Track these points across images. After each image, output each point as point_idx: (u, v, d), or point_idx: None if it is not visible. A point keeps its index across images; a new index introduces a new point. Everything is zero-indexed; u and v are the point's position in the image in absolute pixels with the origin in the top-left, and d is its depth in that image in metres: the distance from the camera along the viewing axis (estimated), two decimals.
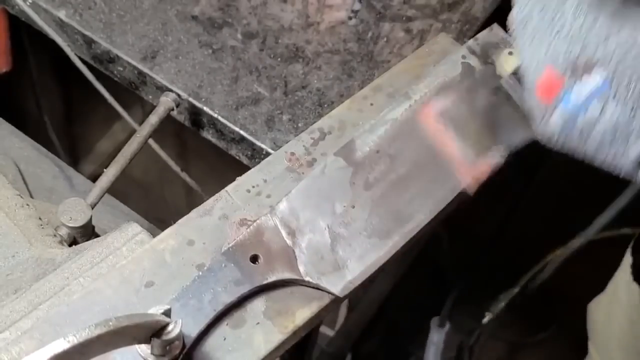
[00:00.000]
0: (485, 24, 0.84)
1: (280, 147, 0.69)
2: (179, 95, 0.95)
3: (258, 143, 0.93)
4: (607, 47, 0.50)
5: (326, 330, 1.67)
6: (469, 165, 0.63)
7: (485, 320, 1.84)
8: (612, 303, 1.23)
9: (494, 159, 0.63)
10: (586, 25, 0.51)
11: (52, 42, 0.98)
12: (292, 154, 0.67)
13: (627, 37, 0.50)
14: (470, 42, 0.71)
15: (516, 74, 0.62)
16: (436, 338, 1.64)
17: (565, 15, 0.52)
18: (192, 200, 1.48)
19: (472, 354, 1.91)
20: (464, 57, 0.70)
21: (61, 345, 0.43)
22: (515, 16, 0.57)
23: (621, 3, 0.51)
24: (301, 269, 0.59)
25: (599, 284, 1.84)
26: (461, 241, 1.87)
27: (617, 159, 0.53)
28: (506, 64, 0.63)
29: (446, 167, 0.63)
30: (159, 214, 1.48)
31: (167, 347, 0.51)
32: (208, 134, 0.97)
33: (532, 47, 0.55)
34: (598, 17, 0.51)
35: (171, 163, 1.06)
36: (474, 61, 0.70)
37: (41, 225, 0.74)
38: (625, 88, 0.50)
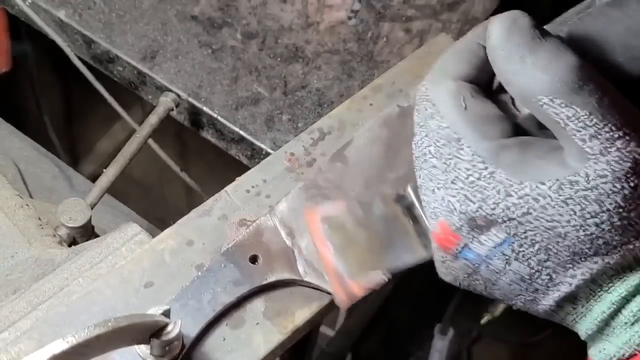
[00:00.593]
0: None
1: (280, 147, 0.69)
2: (178, 95, 0.95)
3: (258, 143, 0.93)
4: (508, 203, 0.46)
5: (326, 330, 1.67)
6: (345, 282, 0.57)
7: (484, 320, 1.84)
8: None
9: (373, 281, 0.57)
10: (483, 179, 0.47)
11: (52, 42, 0.98)
12: (292, 154, 0.67)
13: (530, 192, 0.46)
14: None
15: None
16: (439, 345, 1.63)
17: (460, 166, 0.48)
18: (191, 200, 1.48)
19: (470, 356, 1.90)
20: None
21: (60, 345, 0.43)
22: (415, 147, 0.52)
23: (519, 154, 0.47)
24: (300, 269, 0.59)
25: None
26: None
27: (530, 306, 0.50)
28: None
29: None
30: (159, 214, 1.48)
31: (167, 348, 0.51)
32: (208, 134, 0.97)
33: (430, 190, 0.50)
34: (495, 170, 0.47)
35: (171, 163, 1.06)
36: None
37: (40, 225, 0.74)
38: (529, 247, 0.47)
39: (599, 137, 0.44)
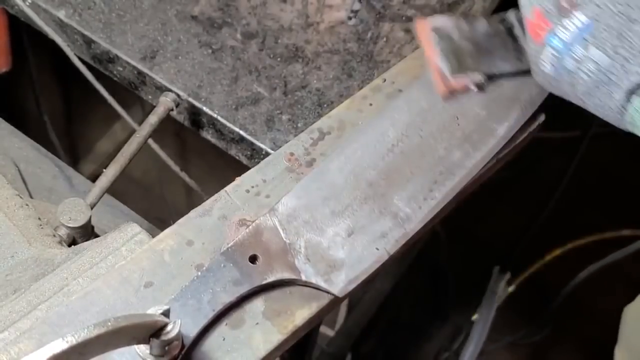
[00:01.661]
0: None
1: (280, 147, 0.69)
2: (178, 95, 0.95)
3: (257, 143, 0.93)
4: None
5: (326, 330, 1.67)
6: (447, 77, 0.66)
7: (475, 317, 1.84)
8: None
9: (471, 79, 0.67)
10: None
11: (52, 42, 0.98)
12: (292, 154, 0.67)
13: None
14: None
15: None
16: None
17: None
18: (191, 200, 1.48)
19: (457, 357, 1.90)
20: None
21: (60, 345, 0.43)
22: None
23: None
24: (300, 269, 0.59)
25: (598, 284, 1.84)
26: (460, 241, 1.87)
27: (605, 102, 0.55)
28: None
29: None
30: (159, 214, 1.49)
31: (166, 348, 0.51)
32: (208, 134, 0.97)
33: None
34: None
35: (171, 163, 1.06)
36: None
37: (40, 225, 0.74)
38: (606, 28, 0.52)
39: None
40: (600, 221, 1.87)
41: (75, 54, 0.97)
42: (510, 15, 0.69)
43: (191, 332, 0.54)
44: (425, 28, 0.69)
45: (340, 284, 0.59)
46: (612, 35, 0.52)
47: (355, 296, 1.65)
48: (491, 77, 0.67)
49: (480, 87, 0.67)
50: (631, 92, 0.53)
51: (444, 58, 0.67)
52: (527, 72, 0.64)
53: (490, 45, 0.68)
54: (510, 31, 0.68)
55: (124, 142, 0.93)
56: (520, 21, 0.65)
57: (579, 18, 0.53)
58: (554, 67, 0.56)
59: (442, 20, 0.69)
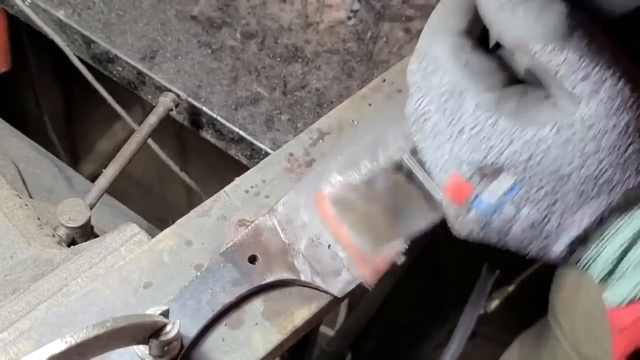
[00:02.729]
0: None
1: (280, 147, 0.69)
2: (178, 95, 0.95)
3: (257, 143, 0.93)
4: (512, 149, 0.48)
5: (326, 330, 1.67)
6: (367, 257, 0.59)
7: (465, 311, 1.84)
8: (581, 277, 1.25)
9: (394, 250, 0.59)
10: (487, 128, 0.49)
11: (52, 42, 0.98)
12: (291, 154, 0.67)
13: (532, 137, 0.48)
14: None
15: (415, 154, 0.58)
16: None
17: (464, 118, 0.50)
18: (191, 200, 1.48)
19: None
20: None
21: (59, 345, 0.43)
22: (411, 110, 0.53)
23: (519, 102, 0.49)
24: (300, 269, 0.59)
25: None
26: (460, 241, 1.87)
27: (543, 253, 0.52)
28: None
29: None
30: (159, 214, 1.48)
31: (165, 348, 0.51)
32: (207, 134, 0.97)
33: (434, 147, 0.52)
34: (498, 118, 0.49)
35: (170, 163, 1.06)
36: None
37: (40, 225, 0.74)
38: (536, 191, 0.48)
39: (589, 78, 0.46)
40: None
41: (74, 54, 0.97)
42: (404, 160, 0.59)
43: (190, 332, 0.54)
44: (324, 203, 0.60)
45: (340, 284, 0.59)
46: (544, 194, 0.48)
47: (356, 296, 1.65)
48: (412, 240, 0.59)
49: (405, 254, 0.59)
50: (573, 245, 0.50)
51: (356, 235, 0.59)
52: (444, 222, 0.57)
53: (397, 202, 0.59)
54: (410, 177, 0.59)
55: (123, 142, 0.93)
56: (419, 162, 0.58)
57: (506, 181, 0.49)
58: (482, 226, 0.52)
59: (339, 190, 0.60)
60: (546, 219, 0.49)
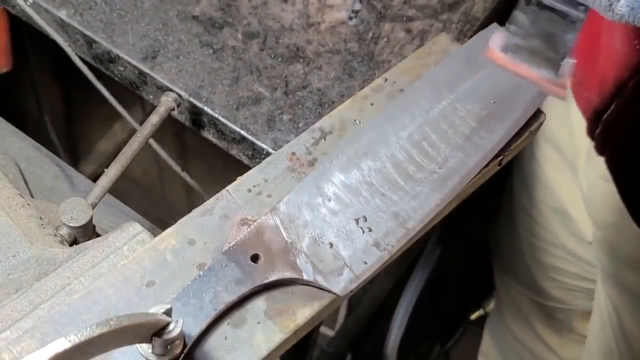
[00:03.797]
0: (485, 24, 0.84)
1: (281, 147, 0.69)
2: (179, 95, 0.95)
3: (259, 143, 0.93)
4: None
5: (326, 330, 1.67)
6: (555, 80, 0.65)
7: (474, 316, 1.85)
8: None
9: (568, 66, 0.65)
10: None
11: (53, 42, 0.99)
12: (293, 153, 0.67)
13: None
14: None
15: None
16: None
17: None
18: (192, 200, 1.48)
19: (448, 357, 1.91)
20: None
21: (62, 344, 0.43)
22: None
23: None
24: (302, 268, 0.59)
25: None
26: (459, 240, 1.87)
27: None
28: None
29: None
30: (160, 214, 1.49)
31: (168, 347, 0.52)
32: (209, 134, 0.97)
33: None
34: None
35: (172, 163, 1.06)
36: None
37: (42, 224, 0.74)
38: None
39: None
40: None
41: (76, 54, 0.97)
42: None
43: (193, 331, 0.54)
44: (496, 56, 0.67)
45: (342, 283, 0.59)
46: None
47: (356, 296, 1.65)
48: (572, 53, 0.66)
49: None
50: None
51: (536, 68, 0.65)
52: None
53: (546, 28, 0.65)
54: (541, 5, 0.65)
55: (124, 142, 0.93)
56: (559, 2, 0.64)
57: None
58: (633, 9, 0.54)
59: (499, 38, 0.66)
60: None
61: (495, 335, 1.65)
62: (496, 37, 0.67)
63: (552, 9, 0.65)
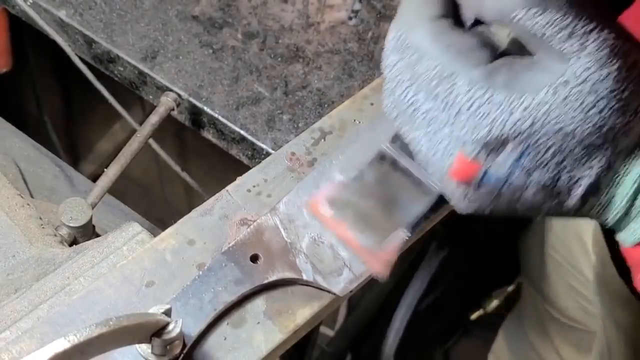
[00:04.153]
0: None
1: (281, 147, 0.69)
2: (179, 95, 0.95)
3: (258, 143, 0.93)
4: (514, 119, 0.48)
5: (326, 330, 1.67)
6: (374, 252, 0.59)
7: (474, 316, 1.84)
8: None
9: (398, 239, 0.59)
10: (484, 104, 0.49)
11: (53, 42, 0.99)
12: (293, 153, 0.67)
13: (530, 103, 0.48)
14: None
15: (395, 141, 0.59)
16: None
17: (459, 99, 0.50)
18: (192, 200, 1.48)
19: (448, 357, 1.91)
20: None
21: (61, 344, 0.43)
22: (394, 103, 0.53)
23: (509, 72, 0.49)
24: (301, 268, 0.59)
25: None
26: (460, 241, 1.87)
27: (555, 210, 0.52)
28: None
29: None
30: (159, 214, 1.49)
31: (168, 347, 0.52)
32: (208, 134, 0.97)
33: (429, 135, 0.51)
34: (493, 92, 0.49)
35: (171, 163, 1.06)
36: None
37: (42, 225, 0.74)
38: (544, 153, 0.49)
39: (575, 34, 0.47)
40: None
41: (76, 54, 0.97)
42: (385, 149, 0.60)
43: (192, 331, 0.54)
44: (319, 207, 0.60)
45: (341, 283, 0.59)
46: (553, 153, 0.49)
47: (355, 296, 1.65)
48: (413, 227, 0.60)
49: (409, 243, 0.60)
50: (586, 196, 0.50)
51: (358, 232, 0.59)
52: (439, 202, 0.58)
53: (390, 192, 0.59)
54: (395, 165, 0.59)
55: (124, 142, 0.93)
56: (399, 149, 0.59)
57: (513, 150, 0.49)
58: (491, 199, 0.52)
59: (330, 191, 0.60)
60: (557, 178, 0.50)
61: (512, 340, 1.64)
62: (327, 187, 0.61)
63: (406, 174, 0.59)
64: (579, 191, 0.50)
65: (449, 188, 0.53)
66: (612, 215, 0.51)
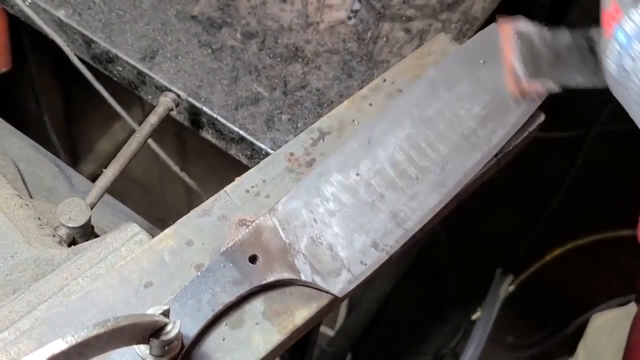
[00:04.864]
0: (485, 24, 0.84)
1: (280, 147, 0.69)
2: (178, 95, 0.95)
3: (257, 143, 0.93)
4: None
5: (326, 330, 1.67)
6: (520, 81, 0.66)
7: (475, 316, 1.84)
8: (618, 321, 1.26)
9: (545, 85, 0.66)
10: None
11: (52, 42, 0.98)
12: (292, 154, 0.67)
13: None
14: None
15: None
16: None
17: None
18: (191, 200, 1.48)
19: (456, 356, 1.91)
20: None
21: (59, 345, 0.43)
22: None
23: None
24: (300, 269, 0.59)
25: (598, 285, 1.83)
26: (460, 241, 1.88)
27: None
28: None
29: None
30: (159, 214, 1.49)
31: (166, 348, 0.51)
32: (207, 134, 0.97)
33: None
34: None
35: (170, 163, 1.06)
36: None
37: (40, 225, 0.74)
38: None
39: None
40: (601, 221, 1.87)
41: (75, 54, 0.97)
42: (595, 32, 0.66)
43: (191, 332, 0.54)
44: (508, 30, 0.68)
45: (340, 284, 0.59)
46: None
47: (355, 296, 1.65)
48: (565, 88, 0.67)
49: (550, 93, 0.67)
50: None
51: (521, 60, 0.66)
52: (602, 89, 0.64)
53: (570, 57, 0.67)
54: (592, 48, 0.66)
55: (123, 142, 0.93)
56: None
57: None
58: (617, 66, 0.54)
59: (526, 26, 0.68)
60: None
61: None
62: (526, 22, 0.67)
63: (595, 57, 0.65)
64: None
65: (601, 40, 0.57)
66: None
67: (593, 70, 0.64)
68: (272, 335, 0.57)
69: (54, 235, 0.75)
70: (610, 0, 0.55)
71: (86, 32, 0.99)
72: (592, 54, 0.66)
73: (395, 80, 0.73)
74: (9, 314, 0.60)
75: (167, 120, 0.95)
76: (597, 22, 0.61)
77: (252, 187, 0.64)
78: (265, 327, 0.57)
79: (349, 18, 1.04)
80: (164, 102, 0.94)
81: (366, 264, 0.60)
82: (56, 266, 0.66)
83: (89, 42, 0.99)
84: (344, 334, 1.67)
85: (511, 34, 0.67)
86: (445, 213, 0.66)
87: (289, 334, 0.57)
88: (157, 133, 0.94)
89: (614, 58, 0.54)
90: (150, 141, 0.97)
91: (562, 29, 0.68)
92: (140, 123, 0.96)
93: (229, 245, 0.59)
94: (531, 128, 0.70)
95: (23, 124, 1.07)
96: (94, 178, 0.93)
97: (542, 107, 0.70)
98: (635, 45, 0.51)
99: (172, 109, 0.95)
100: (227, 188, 0.64)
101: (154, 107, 0.95)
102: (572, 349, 1.41)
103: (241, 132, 0.93)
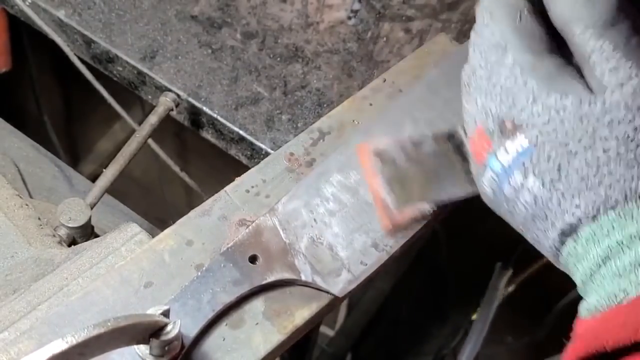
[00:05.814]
0: None
1: (280, 147, 0.69)
2: (178, 95, 0.95)
3: (257, 143, 0.93)
4: (534, 110, 0.49)
5: (326, 330, 1.67)
6: (391, 212, 0.60)
7: (475, 316, 1.84)
8: None
9: (417, 209, 0.60)
10: (518, 85, 0.50)
11: (52, 42, 0.98)
12: (292, 154, 0.67)
13: (554, 102, 0.49)
14: None
15: None
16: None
17: (501, 71, 0.51)
18: (191, 200, 1.48)
19: (455, 355, 1.90)
20: None
21: (59, 345, 0.43)
22: (467, 69, 0.55)
23: (555, 70, 0.50)
24: (300, 269, 0.59)
25: None
26: (460, 240, 1.87)
27: (540, 238, 0.51)
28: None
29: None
30: (159, 214, 1.49)
31: (166, 348, 0.51)
32: (207, 134, 0.97)
33: (472, 100, 0.54)
34: (530, 79, 0.50)
35: (170, 163, 1.06)
36: None
37: (40, 225, 0.74)
38: (545, 160, 0.49)
39: (619, 71, 0.48)
40: None
41: (75, 54, 0.97)
42: (460, 131, 0.61)
43: (191, 332, 0.54)
44: (366, 152, 0.62)
45: (340, 284, 0.59)
46: (551, 166, 0.48)
47: (355, 296, 1.65)
48: (439, 205, 0.61)
49: (427, 218, 0.61)
50: (565, 234, 0.49)
51: (387, 188, 0.60)
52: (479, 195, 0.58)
53: (438, 168, 0.60)
54: (459, 149, 0.61)
55: (123, 142, 0.93)
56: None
57: (521, 142, 0.49)
58: (494, 191, 0.52)
59: (385, 143, 0.62)
60: (548, 195, 0.49)
61: None
62: (384, 139, 0.62)
63: (465, 160, 0.60)
64: (560, 225, 0.49)
65: (471, 162, 0.55)
66: (581, 273, 0.49)
67: (465, 177, 0.59)
68: (272, 335, 0.57)
69: (54, 235, 0.75)
70: (475, 128, 0.53)
71: (86, 32, 0.99)
72: (460, 156, 0.60)
73: (396, 80, 0.73)
74: (9, 314, 0.60)
75: (167, 120, 0.95)
76: None
77: (252, 187, 0.64)
78: (265, 327, 0.57)
79: (349, 18, 1.04)
80: (164, 102, 0.94)
81: (366, 264, 0.60)
82: (56, 266, 0.66)
83: (89, 42, 0.99)
84: (344, 334, 1.67)
85: (370, 156, 0.61)
86: (445, 212, 0.66)
87: (289, 334, 0.57)
88: (157, 133, 0.94)
89: (489, 183, 0.53)
90: (150, 141, 0.97)
91: (425, 135, 0.62)
92: (140, 123, 0.96)
93: (229, 245, 0.59)
94: None
95: (23, 124, 1.07)
96: (94, 178, 0.93)
97: None
98: (514, 175, 0.50)
99: (172, 109, 0.95)
100: (227, 188, 0.64)
101: (154, 107, 0.95)
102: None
103: (241, 132, 0.93)
